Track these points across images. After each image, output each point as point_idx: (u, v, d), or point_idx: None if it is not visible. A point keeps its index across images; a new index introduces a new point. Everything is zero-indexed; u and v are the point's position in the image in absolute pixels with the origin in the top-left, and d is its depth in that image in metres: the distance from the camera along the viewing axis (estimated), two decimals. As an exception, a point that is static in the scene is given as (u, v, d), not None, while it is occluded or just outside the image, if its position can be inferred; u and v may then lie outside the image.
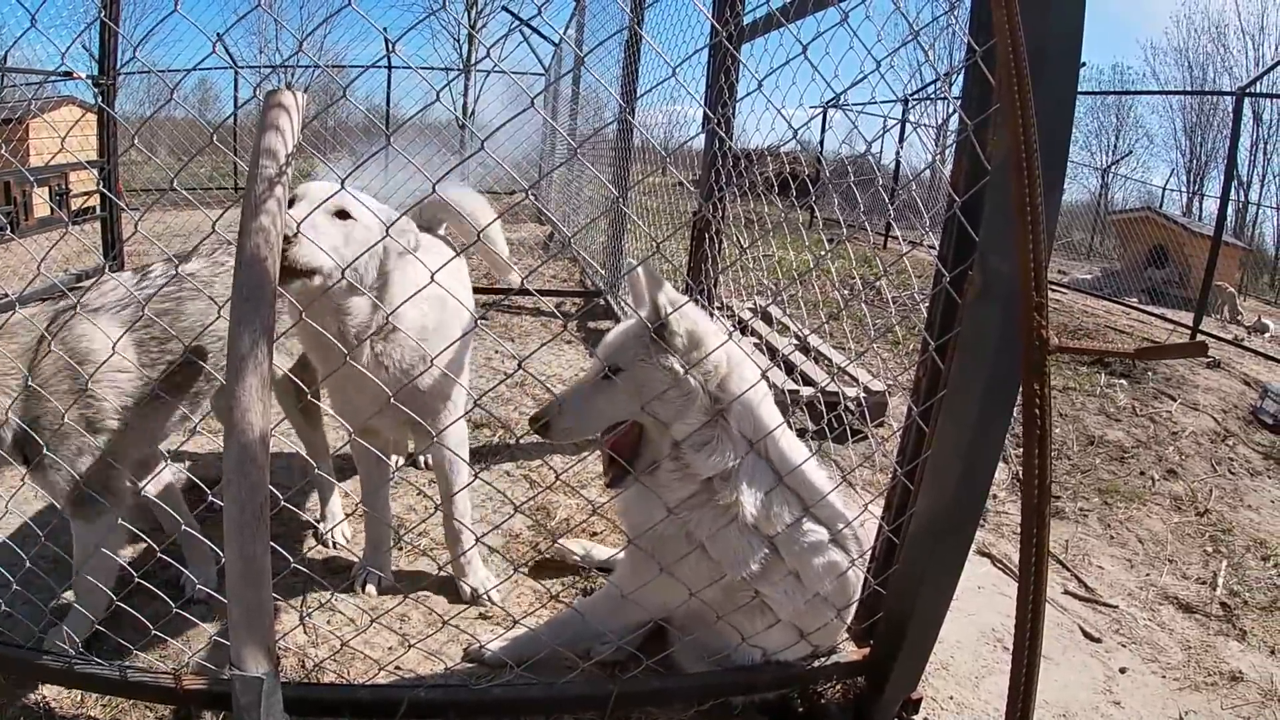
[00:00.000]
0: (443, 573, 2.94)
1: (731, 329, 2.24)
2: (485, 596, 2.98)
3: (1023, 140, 1.54)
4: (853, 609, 2.54)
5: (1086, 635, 3.17)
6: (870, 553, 2.51)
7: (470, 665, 2.65)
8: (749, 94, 3.86)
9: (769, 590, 2.34)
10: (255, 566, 1.68)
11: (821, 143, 16.25)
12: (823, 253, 6.33)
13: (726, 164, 3.86)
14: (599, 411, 2.28)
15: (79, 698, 2.45)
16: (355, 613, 2.88)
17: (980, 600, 3.24)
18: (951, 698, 2.70)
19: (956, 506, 2.12)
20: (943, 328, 2.14)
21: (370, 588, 3.06)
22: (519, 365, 2.02)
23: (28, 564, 2.43)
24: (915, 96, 16.65)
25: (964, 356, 2.03)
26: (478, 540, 2.63)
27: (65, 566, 2.73)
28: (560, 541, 3.28)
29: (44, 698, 2.45)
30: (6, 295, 6.70)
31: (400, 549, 3.36)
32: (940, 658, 2.81)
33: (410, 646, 2.61)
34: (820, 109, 15.47)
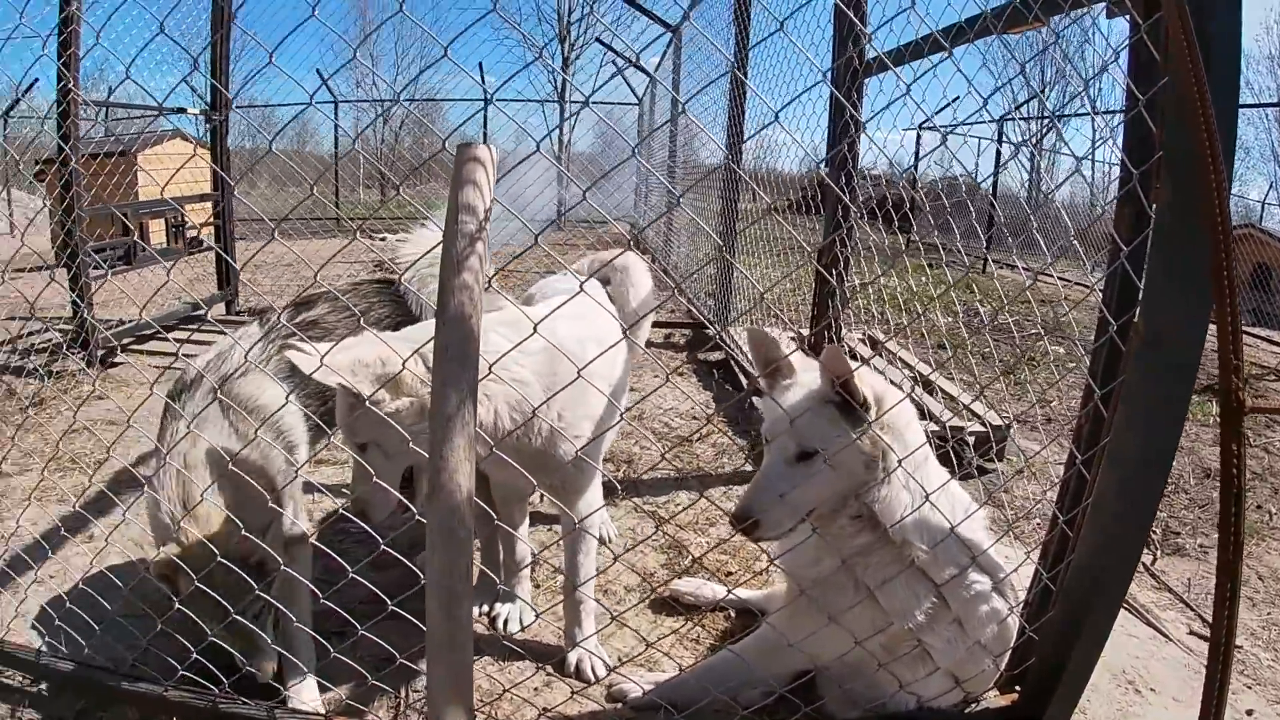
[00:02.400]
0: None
1: (908, 386, 2.22)
2: (590, 673, 2.83)
3: (1217, 204, 1.52)
4: (1007, 655, 2.49)
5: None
6: (1024, 599, 2.47)
7: (614, 708, 2.64)
8: (874, 117, 3.85)
9: (932, 639, 2.31)
10: (460, 629, 1.72)
11: (915, 166, 16.06)
12: (944, 285, 6.22)
13: (854, 198, 3.85)
14: (803, 499, 2.19)
15: None
16: (495, 651, 2.92)
17: (1113, 642, 3.15)
18: None
19: (1115, 554, 2.09)
20: (1105, 376, 2.11)
21: (511, 626, 3.10)
22: (641, 399, 2.03)
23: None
24: (1010, 117, 16.43)
25: (1128, 405, 1.99)
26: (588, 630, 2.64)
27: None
28: (674, 583, 3.28)
29: None
30: (123, 322, 7.06)
31: (538, 586, 3.41)
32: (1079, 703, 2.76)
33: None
34: (915, 129, 15.31)
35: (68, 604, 2.88)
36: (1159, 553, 3.91)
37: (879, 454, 2.16)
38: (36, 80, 11.13)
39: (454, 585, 1.71)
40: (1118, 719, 2.72)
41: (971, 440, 4.32)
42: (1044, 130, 18.53)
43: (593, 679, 2.79)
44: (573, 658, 2.84)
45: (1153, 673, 2.91)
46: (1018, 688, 2.46)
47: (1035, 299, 8.12)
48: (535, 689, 2.71)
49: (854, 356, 5.24)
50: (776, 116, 1.95)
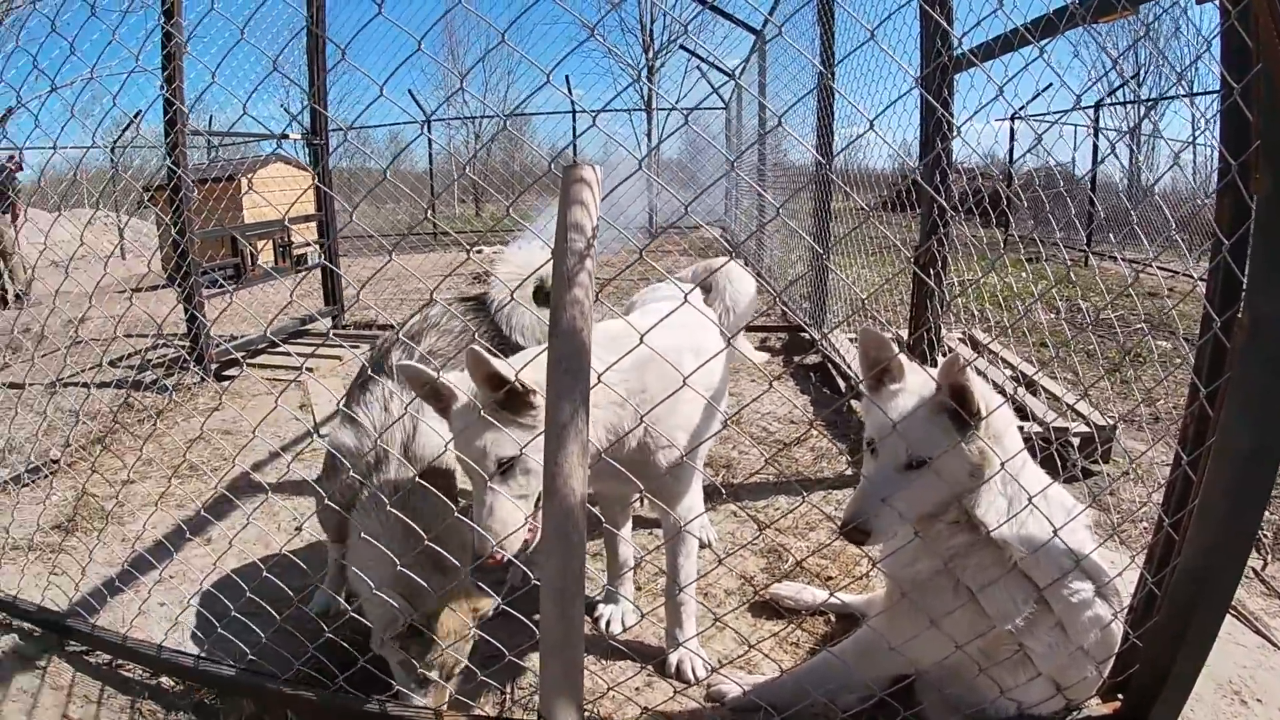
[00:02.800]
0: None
1: (1009, 387, 2.20)
2: (691, 674, 2.86)
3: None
4: (1110, 662, 2.45)
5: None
6: (1129, 605, 2.42)
7: (712, 707, 2.67)
8: (972, 117, 3.82)
9: (1033, 643, 2.29)
10: (573, 628, 1.79)
11: (1010, 157, 15.67)
12: (1044, 280, 6.09)
13: (949, 197, 3.81)
14: (911, 505, 2.19)
15: None
16: (598, 650, 2.98)
17: (1215, 649, 3.04)
18: None
19: (1222, 557, 2.04)
20: (1211, 373, 2.06)
21: (614, 627, 3.16)
22: (741, 408, 2.06)
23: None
24: (1105, 103, 15.94)
25: (1234, 403, 1.94)
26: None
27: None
28: (774, 587, 3.30)
29: None
30: (234, 338, 7.36)
31: (639, 588, 3.47)
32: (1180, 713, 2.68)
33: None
34: (1008, 120, 15.00)
35: (188, 601, 3.04)
36: (1270, 557, 3.75)
37: (985, 461, 2.15)
38: (140, 112, 11.71)
39: (568, 586, 1.78)
40: None
41: (1076, 442, 4.23)
42: (1141, 117, 17.95)
43: (693, 680, 2.83)
44: (674, 658, 2.88)
45: (1260, 682, 2.80)
46: (1120, 696, 2.41)
47: (1139, 293, 7.87)
48: (637, 688, 2.77)
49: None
50: (871, 125, 1.97)
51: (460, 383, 2.32)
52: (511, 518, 2.21)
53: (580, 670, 1.87)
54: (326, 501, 2.86)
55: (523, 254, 3.43)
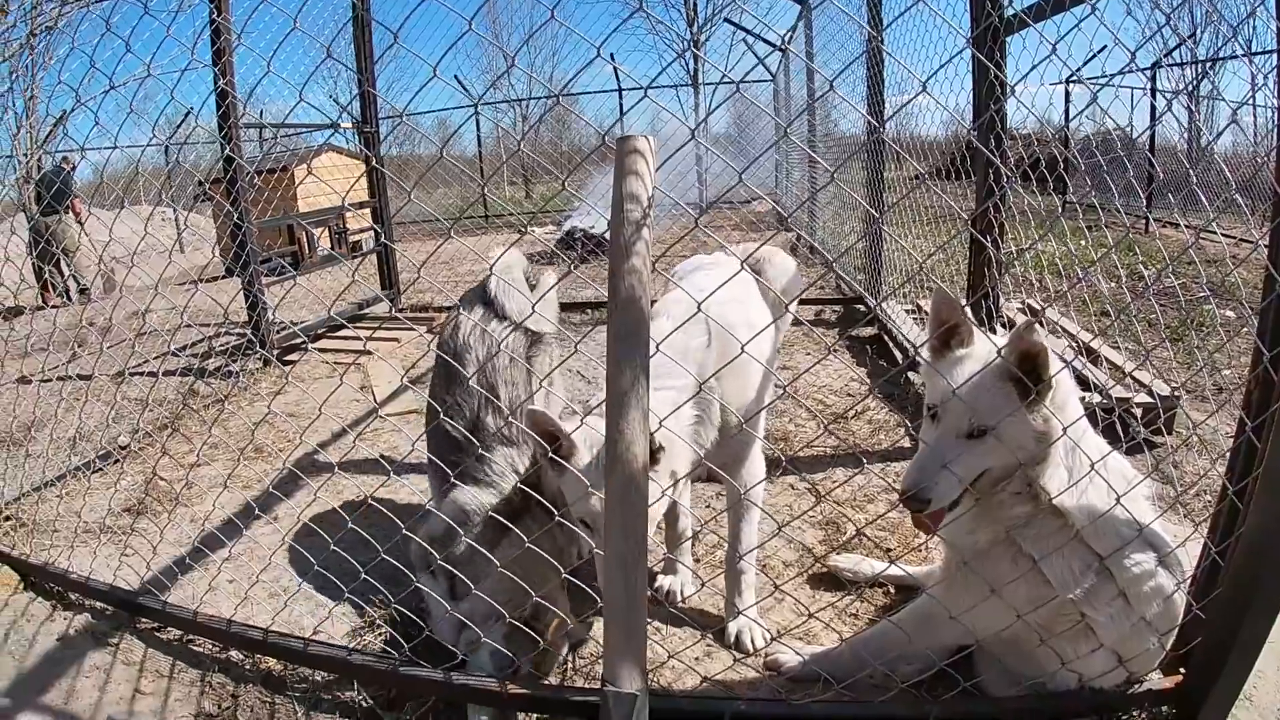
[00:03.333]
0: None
1: (1069, 356, 2.15)
2: (750, 644, 2.88)
3: None
4: (1173, 635, 2.39)
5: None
6: (1191, 576, 2.37)
7: (769, 676, 2.68)
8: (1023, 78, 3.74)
9: (1094, 613, 2.24)
10: (636, 591, 1.80)
11: (1066, 121, 15.33)
12: (1096, 247, 5.94)
13: (1004, 161, 3.74)
14: (971, 473, 2.15)
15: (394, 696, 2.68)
16: (658, 620, 3.01)
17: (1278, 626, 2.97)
18: None
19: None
20: (1275, 337, 2.00)
21: (674, 597, 3.18)
22: (790, 382, 2.04)
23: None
24: (1161, 65, 15.53)
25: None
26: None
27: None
28: (832, 559, 3.29)
29: (359, 693, 2.69)
30: (294, 324, 7.48)
31: (697, 560, 3.48)
32: (1243, 689, 2.61)
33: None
34: (1062, 83, 14.67)
35: (256, 577, 3.11)
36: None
37: (1049, 429, 2.10)
38: (190, 111, 11.92)
39: (630, 551, 1.79)
40: None
41: (1139, 412, 4.14)
42: (1199, 77, 17.47)
43: (751, 650, 2.84)
44: (733, 628, 2.90)
45: (1325, 661, 2.74)
46: (1182, 670, 2.36)
47: (1202, 260, 7.64)
48: (696, 658, 2.78)
49: (1010, 329, 5.03)
50: (924, 86, 1.93)
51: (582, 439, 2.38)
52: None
53: (644, 635, 1.88)
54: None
55: (507, 250, 3.55)
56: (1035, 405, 2.07)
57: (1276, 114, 1.93)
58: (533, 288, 3.60)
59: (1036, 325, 2.01)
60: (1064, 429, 2.09)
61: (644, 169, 1.93)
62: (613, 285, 1.87)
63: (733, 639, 2.89)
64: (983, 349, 2.14)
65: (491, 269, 3.37)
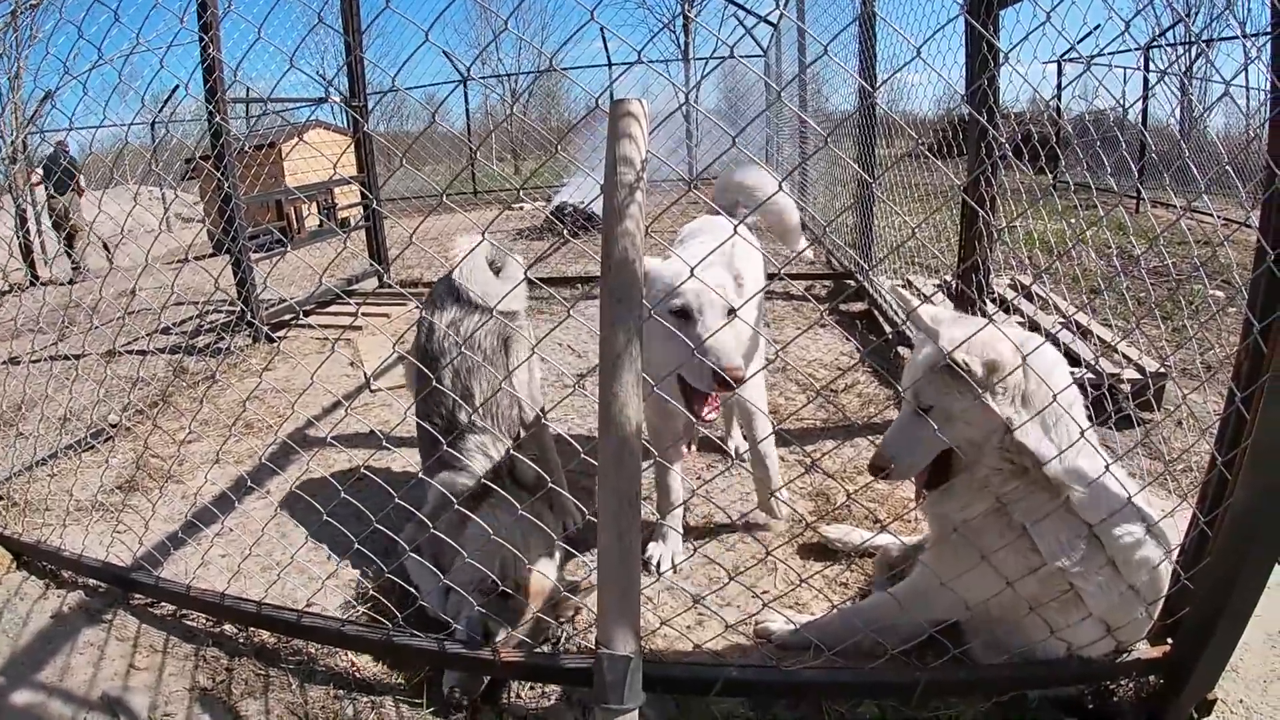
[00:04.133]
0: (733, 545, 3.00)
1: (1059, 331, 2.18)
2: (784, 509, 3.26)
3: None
4: (1160, 605, 2.41)
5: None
6: (1179, 547, 2.39)
7: (759, 644, 2.71)
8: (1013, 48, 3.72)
9: (1083, 582, 2.27)
10: (629, 552, 1.81)
11: (1058, 99, 15.29)
12: (1086, 225, 5.96)
13: (997, 134, 3.72)
14: (925, 448, 2.32)
15: (386, 666, 2.71)
16: (651, 590, 3.03)
17: (1265, 599, 2.98)
18: (1241, 701, 2.50)
19: (1276, 497, 2.00)
20: (1265, 308, 2.01)
21: (664, 565, 3.20)
22: (780, 350, 2.05)
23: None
24: (1156, 44, 15.51)
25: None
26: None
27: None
28: (822, 528, 3.31)
29: (352, 664, 2.72)
30: (283, 300, 7.46)
31: (689, 529, 3.50)
32: (1230, 660, 2.64)
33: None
34: (1056, 61, 14.65)
35: (249, 550, 3.11)
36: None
37: (1009, 410, 2.20)
38: (179, 84, 11.84)
39: (624, 513, 1.80)
40: (1271, 679, 2.60)
41: (1128, 388, 4.16)
42: (1194, 56, 17.45)
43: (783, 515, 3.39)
44: (769, 502, 3.37)
45: (1312, 634, 2.77)
46: (1169, 640, 2.38)
47: (1195, 239, 7.64)
48: (688, 626, 2.80)
49: (1004, 306, 5.04)
50: (919, 52, 1.92)
51: None
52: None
53: (637, 596, 1.89)
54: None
55: (468, 239, 3.69)
56: (966, 392, 2.19)
57: (1269, 85, 1.92)
58: (497, 271, 3.70)
59: (955, 320, 2.30)
60: (1039, 410, 2.18)
61: (637, 132, 1.93)
62: (606, 248, 1.87)
63: (768, 509, 3.39)
64: (950, 332, 2.25)
65: (459, 264, 3.45)
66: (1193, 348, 5.30)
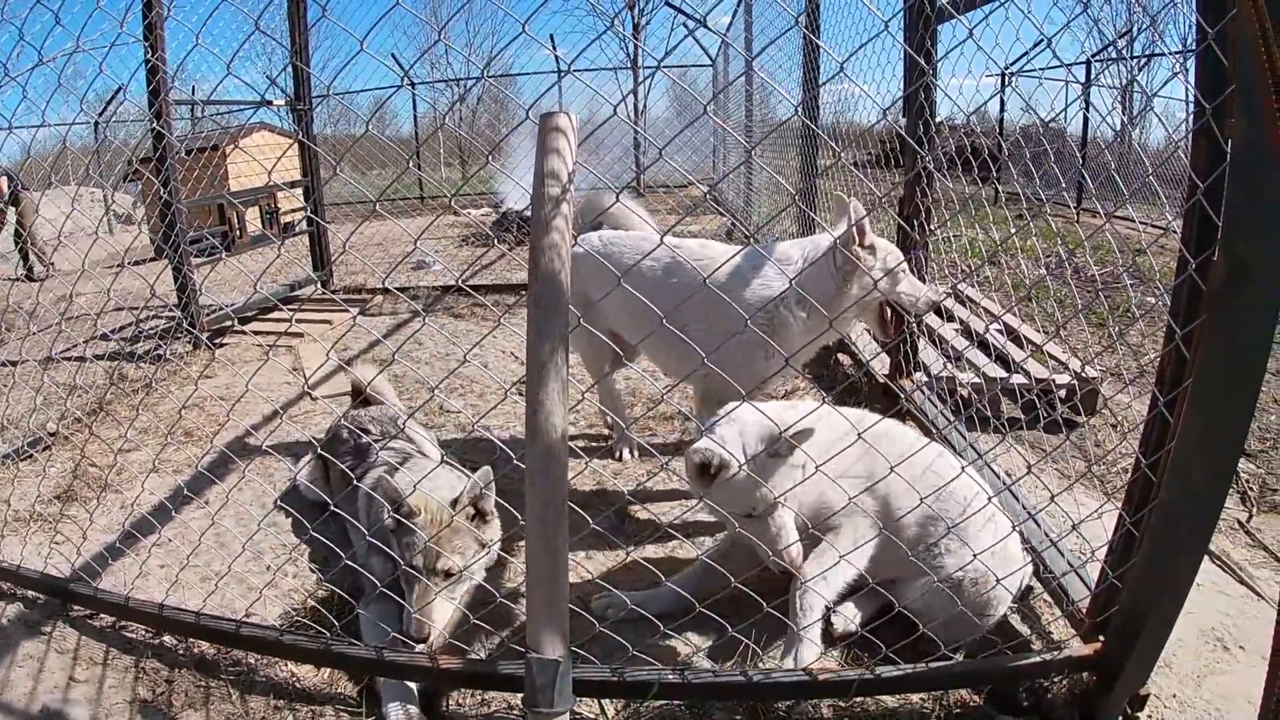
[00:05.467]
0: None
1: (992, 335, 2.27)
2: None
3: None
4: (1017, 581, 2.72)
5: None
6: (1107, 544, 2.47)
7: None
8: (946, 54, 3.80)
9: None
10: (557, 558, 1.84)
11: (1001, 114, 15.60)
12: (1013, 230, 6.10)
13: (932, 146, 3.81)
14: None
15: (327, 676, 2.72)
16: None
17: (1198, 597, 3.07)
18: (1174, 696, 2.60)
19: (1200, 499, 2.07)
20: (1187, 316, 2.08)
21: (626, 454, 4.22)
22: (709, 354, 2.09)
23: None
24: (1098, 58, 15.87)
25: (1209, 345, 1.97)
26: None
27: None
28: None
29: (292, 674, 2.72)
30: (224, 307, 7.38)
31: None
32: (1163, 656, 2.72)
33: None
34: (998, 75, 14.93)
35: (187, 561, 3.09)
36: (1255, 509, 3.78)
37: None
38: (121, 88, 11.65)
39: (551, 519, 1.84)
40: (1204, 674, 2.70)
41: (1063, 393, 4.27)
42: (1134, 72, 17.91)
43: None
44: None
45: (1242, 630, 2.86)
46: (1100, 638, 2.44)
47: (1130, 249, 7.84)
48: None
49: (937, 312, 5.13)
50: (842, 68, 1.98)
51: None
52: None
53: (565, 600, 1.92)
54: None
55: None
56: None
57: (1190, 99, 2.02)
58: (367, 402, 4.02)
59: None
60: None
61: (564, 146, 1.96)
62: (533, 259, 1.90)
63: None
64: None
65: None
66: (1120, 352, 5.43)
